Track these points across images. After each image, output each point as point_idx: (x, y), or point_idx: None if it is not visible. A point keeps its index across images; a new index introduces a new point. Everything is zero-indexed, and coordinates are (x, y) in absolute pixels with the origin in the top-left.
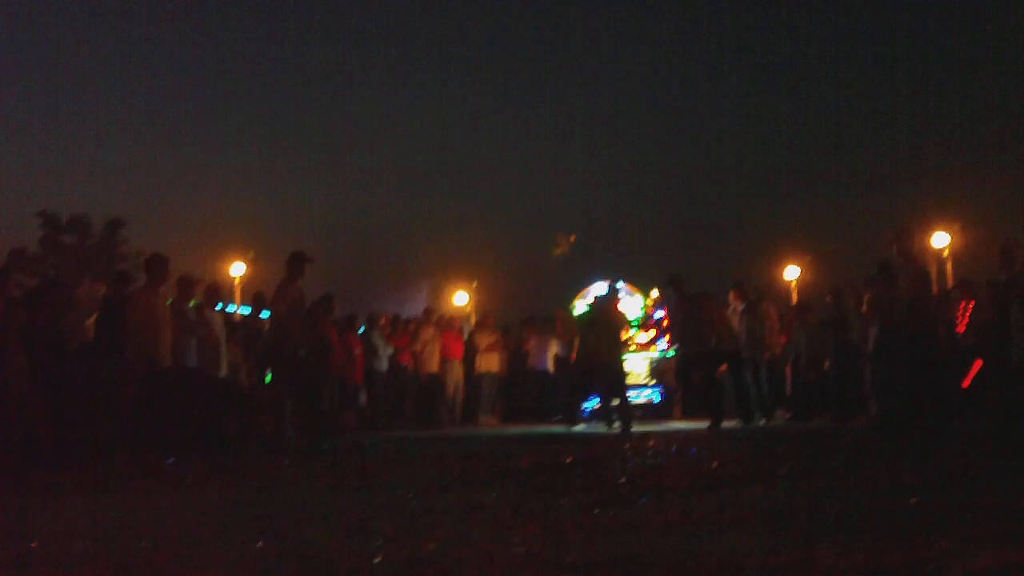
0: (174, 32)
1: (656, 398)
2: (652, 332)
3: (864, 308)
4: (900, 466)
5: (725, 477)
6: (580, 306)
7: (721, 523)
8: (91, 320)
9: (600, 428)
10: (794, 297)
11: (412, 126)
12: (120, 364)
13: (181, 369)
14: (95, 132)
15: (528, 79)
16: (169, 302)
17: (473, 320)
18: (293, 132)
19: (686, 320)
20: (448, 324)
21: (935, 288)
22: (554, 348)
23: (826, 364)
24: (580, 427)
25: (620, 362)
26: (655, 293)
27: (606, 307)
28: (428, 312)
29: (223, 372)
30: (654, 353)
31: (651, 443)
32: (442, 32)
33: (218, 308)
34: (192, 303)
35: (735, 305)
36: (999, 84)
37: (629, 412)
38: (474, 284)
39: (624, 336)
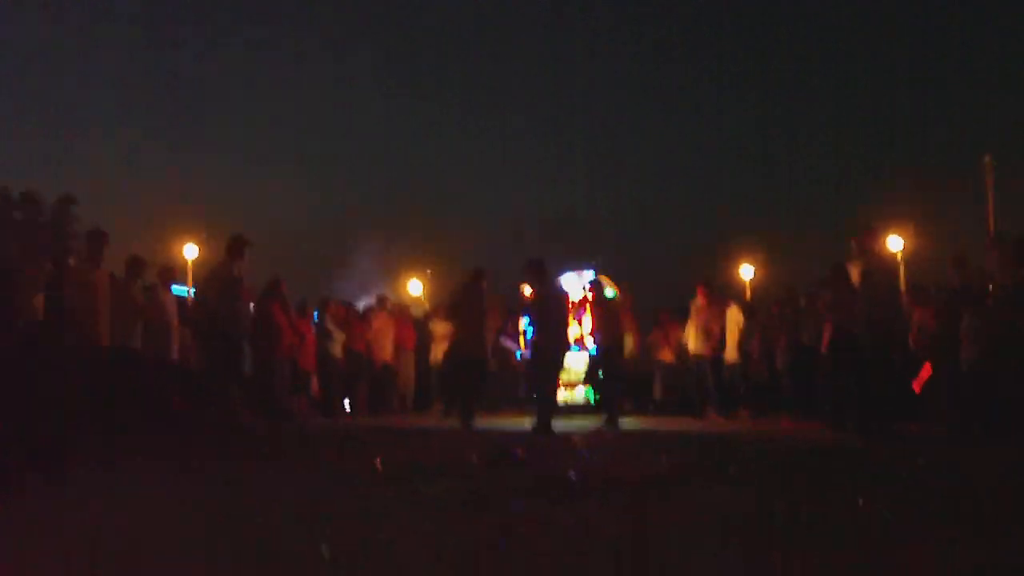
0: (129, 9)
1: (590, 399)
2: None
3: (821, 309)
4: (851, 471)
5: (674, 477)
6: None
7: (670, 522)
8: (38, 298)
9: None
10: (747, 295)
11: (367, 114)
12: (57, 344)
13: (125, 350)
14: (50, 109)
15: (479, 73)
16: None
17: (428, 309)
18: (252, 115)
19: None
20: (401, 312)
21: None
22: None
23: (778, 363)
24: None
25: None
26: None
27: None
28: (382, 300)
29: (174, 355)
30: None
31: (602, 440)
32: (415, 24)
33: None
34: (143, 284)
35: (701, 302)
36: (952, 89)
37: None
38: (428, 272)
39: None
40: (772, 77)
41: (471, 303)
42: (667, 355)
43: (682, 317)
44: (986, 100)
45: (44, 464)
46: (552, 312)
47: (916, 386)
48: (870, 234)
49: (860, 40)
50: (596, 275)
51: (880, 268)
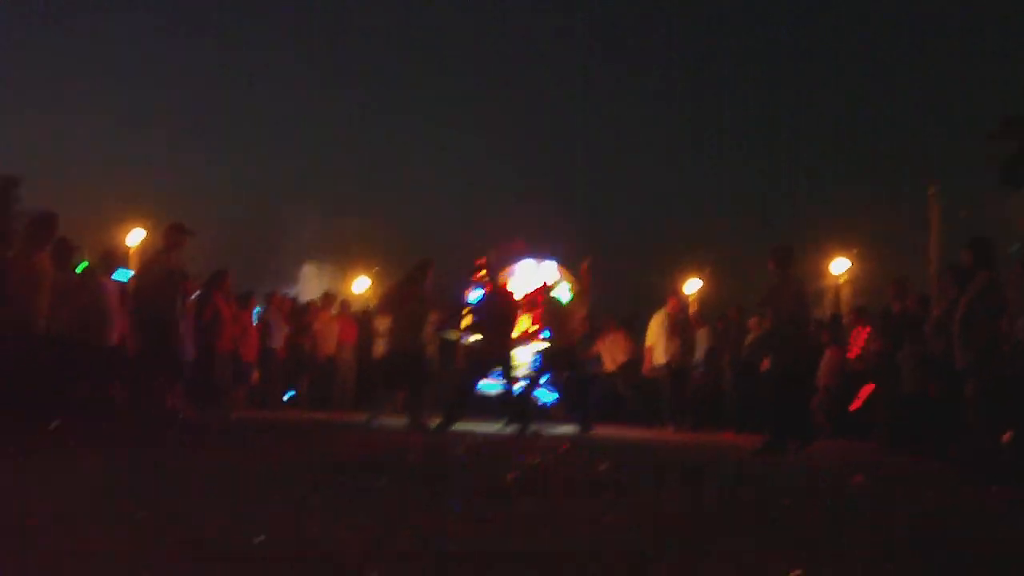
0: None
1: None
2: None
3: (757, 327)
4: (789, 485)
5: (610, 480)
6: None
7: (604, 525)
8: None
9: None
10: (693, 307)
11: (314, 108)
12: None
13: (58, 335)
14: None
15: (424, 65)
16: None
17: (372, 305)
18: (201, 102)
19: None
20: (344, 308)
21: (825, 311)
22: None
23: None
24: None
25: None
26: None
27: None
28: (327, 296)
29: (112, 341)
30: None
31: (540, 442)
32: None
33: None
34: (81, 267)
35: (672, 311)
36: (904, 115)
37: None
38: (374, 269)
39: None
40: (726, 89)
41: (412, 295)
42: (608, 363)
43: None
44: (935, 129)
45: None
46: (497, 310)
47: (854, 406)
48: (777, 255)
49: (813, 59)
50: (557, 267)
51: (783, 286)
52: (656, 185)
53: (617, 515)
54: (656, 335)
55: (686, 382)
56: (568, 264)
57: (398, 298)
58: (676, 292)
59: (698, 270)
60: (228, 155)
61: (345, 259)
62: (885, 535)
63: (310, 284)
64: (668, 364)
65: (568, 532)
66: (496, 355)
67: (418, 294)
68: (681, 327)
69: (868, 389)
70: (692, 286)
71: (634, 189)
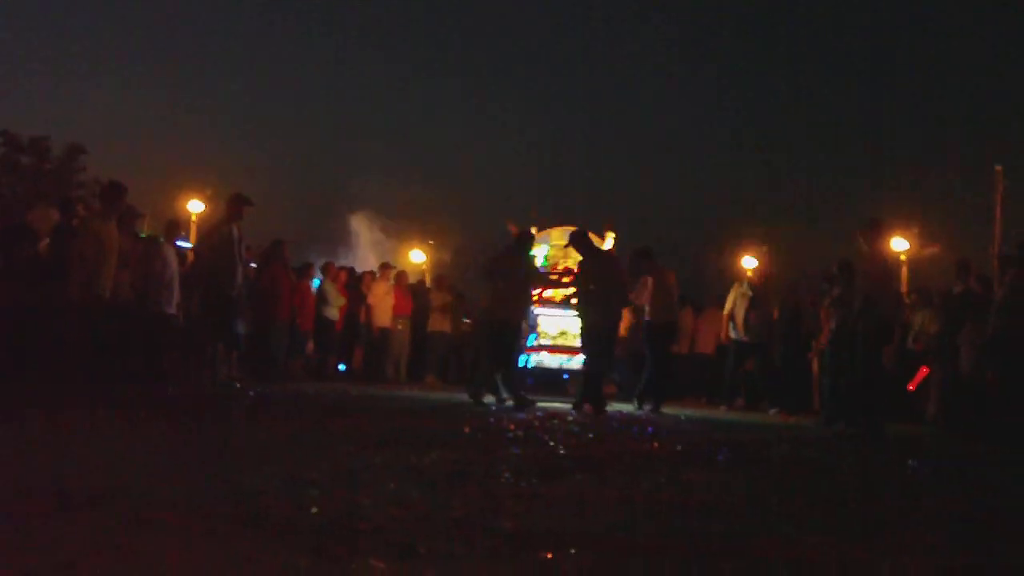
0: None
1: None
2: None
3: (825, 304)
4: (840, 465)
5: (663, 458)
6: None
7: (657, 503)
8: (42, 244)
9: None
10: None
11: (372, 78)
12: (63, 294)
13: (121, 302)
14: (61, 57)
15: (485, 46)
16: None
17: (428, 278)
18: (262, 74)
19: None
20: (400, 280)
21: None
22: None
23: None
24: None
25: (520, 319)
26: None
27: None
28: (384, 267)
29: (172, 309)
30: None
31: (595, 419)
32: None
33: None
34: (139, 234)
35: (754, 283)
36: (968, 93)
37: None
38: (430, 242)
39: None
40: (781, 76)
41: (515, 265)
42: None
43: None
44: (1002, 109)
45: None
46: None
47: (911, 386)
48: (873, 225)
49: (874, 41)
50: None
51: (875, 264)
52: (715, 164)
53: (672, 494)
54: (735, 305)
55: (763, 356)
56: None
57: (502, 268)
58: (759, 262)
59: (756, 249)
60: (296, 126)
61: (397, 221)
62: (940, 520)
63: (360, 237)
64: (745, 337)
65: (621, 511)
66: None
67: (521, 265)
68: (762, 299)
69: (924, 372)
70: (749, 264)
71: (691, 168)
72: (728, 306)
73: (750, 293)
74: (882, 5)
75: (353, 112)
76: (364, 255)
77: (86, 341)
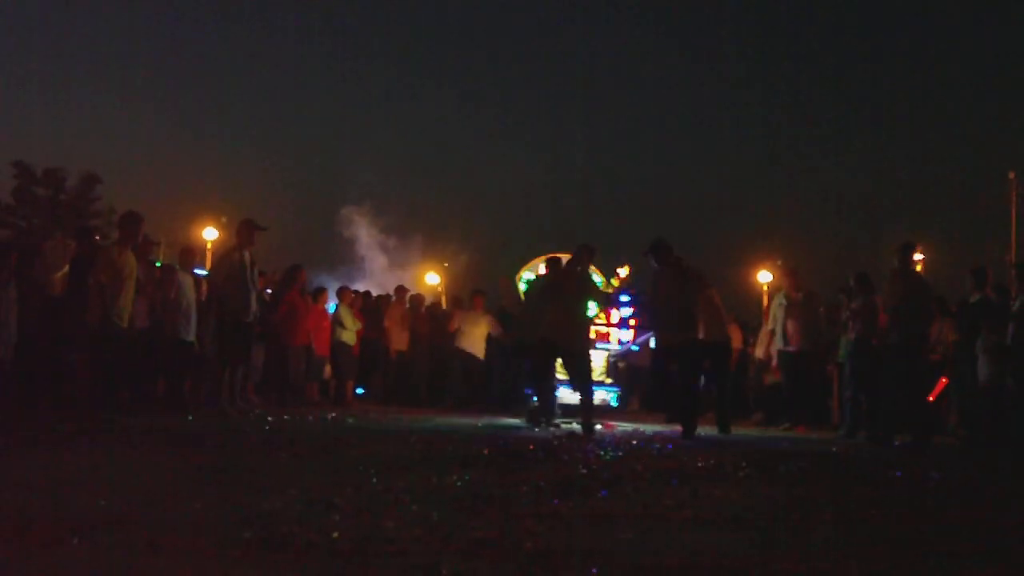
0: None
1: (613, 400)
2: (612, 318)
3: (844, 317)
4: (868, 478)
5: (684, 475)
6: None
7: (679, 521)
8: (59, 274)
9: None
10: (764, 301)
11: (386, 110)
12: (80, 322)
13: (138, 330)
14: (76, 87)
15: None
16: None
17: (444, 300)
18: (275, 102)
19: (671, 299)
20: (417, 303)
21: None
22: (484, 328)
23: None
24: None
25: (585, 344)
26: (623, 272)
27: (569, 272)
28: (400, 290)
29: (190, 336)
30: (612, 345)
31: (612, 437)
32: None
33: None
34: (158, 263)
35: (790, 294)
36: (983, 104)
37: (591, 408)
38: (445, 265)
39: (592, 310)
40: (800, 86)
41: (572, 280)
42: None
43: None
44: (1016, 115)
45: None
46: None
47: (931, 397)
48: (909, 247)
49: (886, 48)
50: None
51: (908, 281)
52: (730, 176)
53: (695, 511)
54: (778, 319)
55: (810, 369)
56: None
57: (559, 285)
58: (794, 272)
59: (771, 263)
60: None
61: (417, 254)
62: (962, 531)
63: (358, 230)
64: (793, 349)
65: (641, 528)
66: (568, 346)
67: (577, 280)
68: (803, 309)
69: (943, 383)
70: (763, 278)
71: (708, 180)
72: (770, 322)
73: (785, 303)
74: (894, 12)
75: (353, 119)
76: (370, 264)
77: (105, 369)
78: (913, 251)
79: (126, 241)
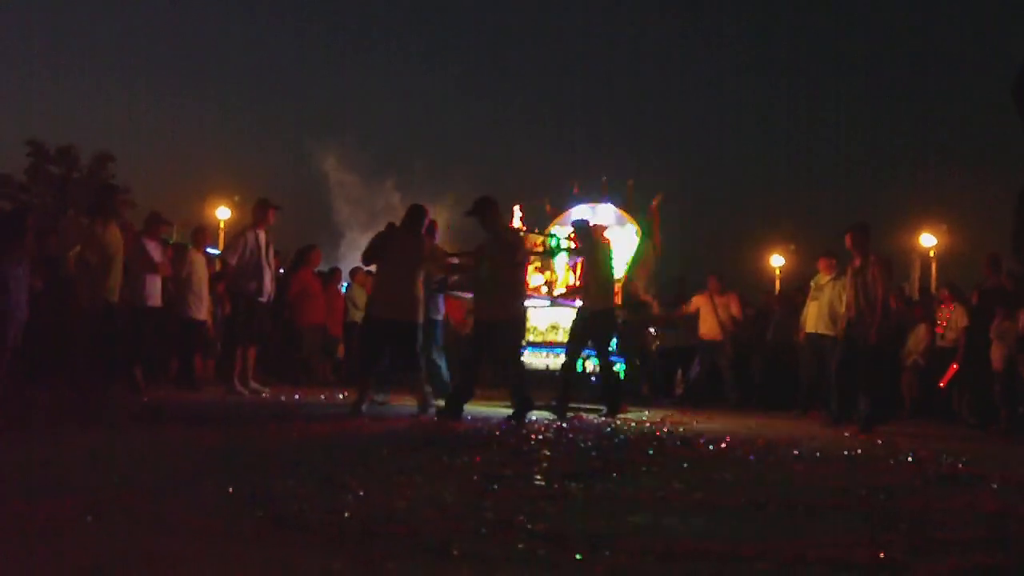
0: None
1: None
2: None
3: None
4: (868, 462)
5: (695, 458)
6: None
7: (690, 504)
8: (73, 252)
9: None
10: (777, 286)
11: (402, 89)
12: (73, 299)
13: (138, 307)
14: (90, 67)
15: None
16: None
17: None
18: (289, 82)
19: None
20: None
21: (913, 287)
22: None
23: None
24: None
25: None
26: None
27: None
28: None
29: (203, 315)
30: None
31: (626, 420)
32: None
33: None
34: (170, 241)
35: (826, 275)
36: (993, 89)
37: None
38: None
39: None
40: (810, 71)
41: (604, 253)
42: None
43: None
44: None
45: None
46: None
47: (942, 384)
48: (858, 229)
49: (897, 36)
50: (616, 210)
51: (865, 267)
52: (744, 160)
53: (705, 494)
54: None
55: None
56: (630, 206)
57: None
58: (827, 255)
59: (783, 247)
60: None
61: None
62: (975, 522)
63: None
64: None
65: (654, 512)
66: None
67: (607, 254)
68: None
69: (954, 369)
70: (776, 263)
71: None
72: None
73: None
74: (906, 10)
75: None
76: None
77: (104, 347)
78: (867, 232)
79: (108, 215)
